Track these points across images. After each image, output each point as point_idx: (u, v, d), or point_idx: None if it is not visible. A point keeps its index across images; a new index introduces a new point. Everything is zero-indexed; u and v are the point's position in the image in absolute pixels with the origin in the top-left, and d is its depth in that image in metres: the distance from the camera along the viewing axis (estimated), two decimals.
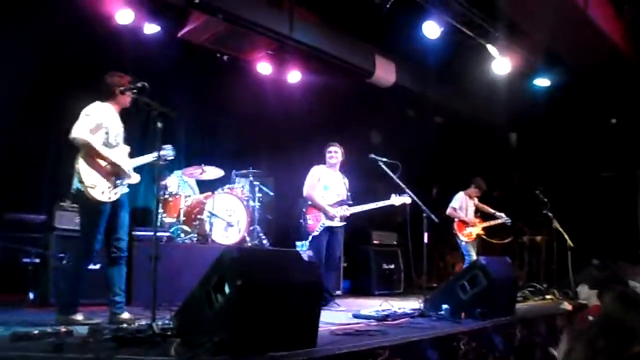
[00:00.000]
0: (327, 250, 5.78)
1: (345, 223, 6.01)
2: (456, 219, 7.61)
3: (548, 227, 8.04)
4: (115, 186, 4.19)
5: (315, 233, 5.77)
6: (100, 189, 4.08)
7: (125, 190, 4.33)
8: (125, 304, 4.29)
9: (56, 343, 3.01)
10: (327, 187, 5.97)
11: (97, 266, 4.75)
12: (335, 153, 6.03)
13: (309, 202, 5.90)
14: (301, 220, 5.90)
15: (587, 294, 3.71)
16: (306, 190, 5.94)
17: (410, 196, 5.59)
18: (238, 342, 2.88)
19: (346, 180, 6.17)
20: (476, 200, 7.89)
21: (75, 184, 4.06)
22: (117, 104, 4.28)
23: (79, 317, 4.01)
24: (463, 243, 7.60)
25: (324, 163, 6.09)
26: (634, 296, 1.90)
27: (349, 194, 6.05)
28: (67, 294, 4.15)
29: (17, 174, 6.32)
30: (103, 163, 4.14)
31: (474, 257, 7.33)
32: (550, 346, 3.26)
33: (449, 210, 7.63)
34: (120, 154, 4.27)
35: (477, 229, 7.65)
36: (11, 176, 6.24)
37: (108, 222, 4.15)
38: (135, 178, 4.36)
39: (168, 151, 4.49)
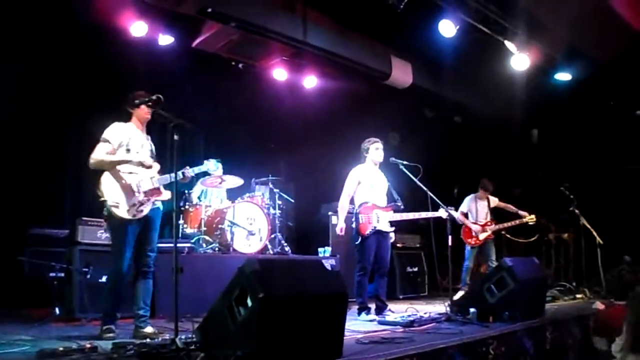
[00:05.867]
0: (377, 255, 5.43)
1: (394, 228, 5.67)
2: (463, 226, 7.41)
3: (575, 224, 7.84)
4: (142, 203, 4.18)
5: (366, 234, 5.35)
6: (125, 207, 4.10)
7: (157, 205, 4.32)
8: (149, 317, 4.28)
9: None
10: (373, 186, 5.54)
11: None
12: (382, 150, 5.60)
13: (366, 202, 5.44)
14: (352, 220, 5.46)
15: None
16: (343, 197, 5.54)
17: (432, 198, 5.45)
18: (262, 356, 2.84)
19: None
20: (493, 200, 7.62)
21: (104, 205, 4.11)
22: (138, 119, 4.29)
23: (108, 334, 3.99)
24: (468, 247, 7.43)
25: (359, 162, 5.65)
26: None
27: (397, 196, 5.54)
28: (103, 310, 4.17)
29: (40, 191, 6.41)
30: (126, 180, 4.14)
31: (494, 259, 7.20)
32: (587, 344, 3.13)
33: (457, 215, 7.37)
34: (147, 171, 4.27)
35: (485, 234, 7.35)
36: (35, 193, 6.33)
37: (137, 237, 4.16)
38: (166, 195, 4.32)
39: (202, 167, 4.65)
